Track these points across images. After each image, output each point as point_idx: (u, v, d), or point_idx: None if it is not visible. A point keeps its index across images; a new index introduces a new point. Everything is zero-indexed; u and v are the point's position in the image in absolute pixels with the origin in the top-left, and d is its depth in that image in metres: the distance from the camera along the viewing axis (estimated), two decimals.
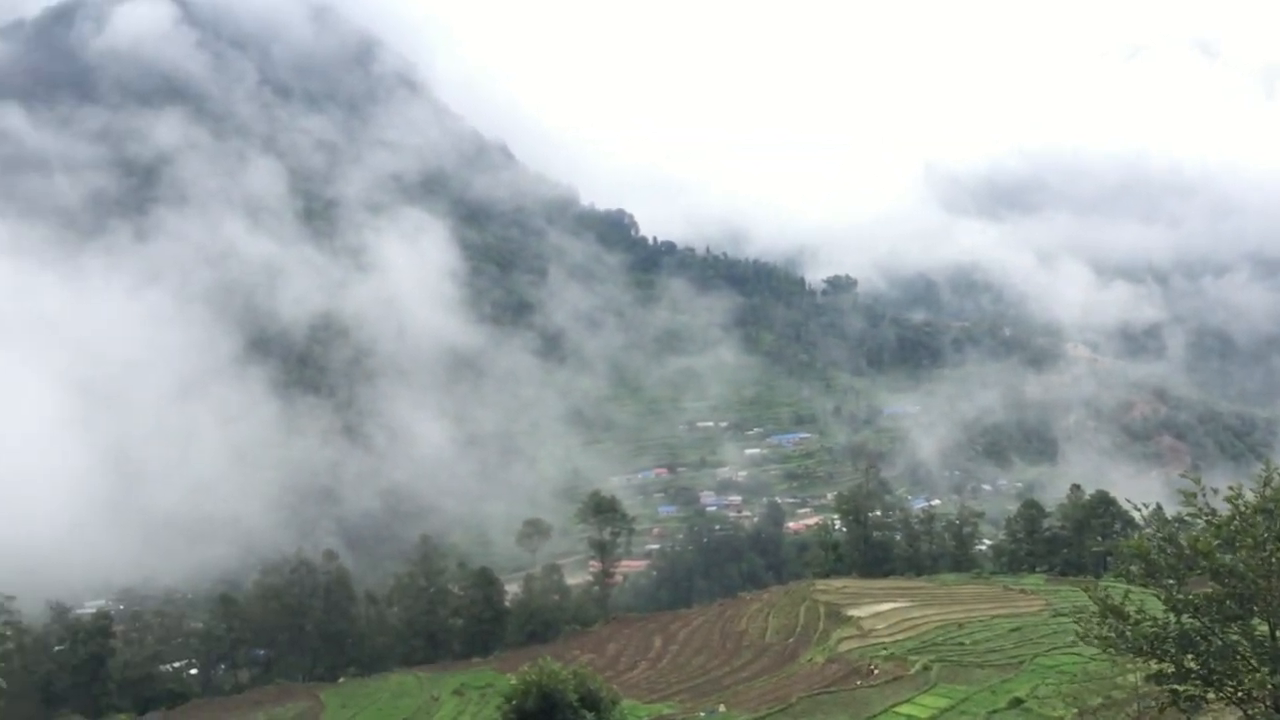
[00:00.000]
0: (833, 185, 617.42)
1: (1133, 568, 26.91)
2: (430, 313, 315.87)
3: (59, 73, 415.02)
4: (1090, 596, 26.93)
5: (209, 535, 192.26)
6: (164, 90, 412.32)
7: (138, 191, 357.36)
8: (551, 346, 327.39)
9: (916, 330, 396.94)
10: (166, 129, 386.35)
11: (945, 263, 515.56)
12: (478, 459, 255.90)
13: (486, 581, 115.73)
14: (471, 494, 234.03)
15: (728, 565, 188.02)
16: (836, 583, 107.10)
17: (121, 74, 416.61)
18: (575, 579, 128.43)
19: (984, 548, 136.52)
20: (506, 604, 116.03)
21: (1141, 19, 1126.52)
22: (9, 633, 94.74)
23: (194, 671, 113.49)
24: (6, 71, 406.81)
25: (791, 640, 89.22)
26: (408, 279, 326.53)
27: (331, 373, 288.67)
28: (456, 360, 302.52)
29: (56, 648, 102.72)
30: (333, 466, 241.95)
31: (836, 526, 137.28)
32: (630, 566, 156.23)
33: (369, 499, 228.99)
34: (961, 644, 76.77)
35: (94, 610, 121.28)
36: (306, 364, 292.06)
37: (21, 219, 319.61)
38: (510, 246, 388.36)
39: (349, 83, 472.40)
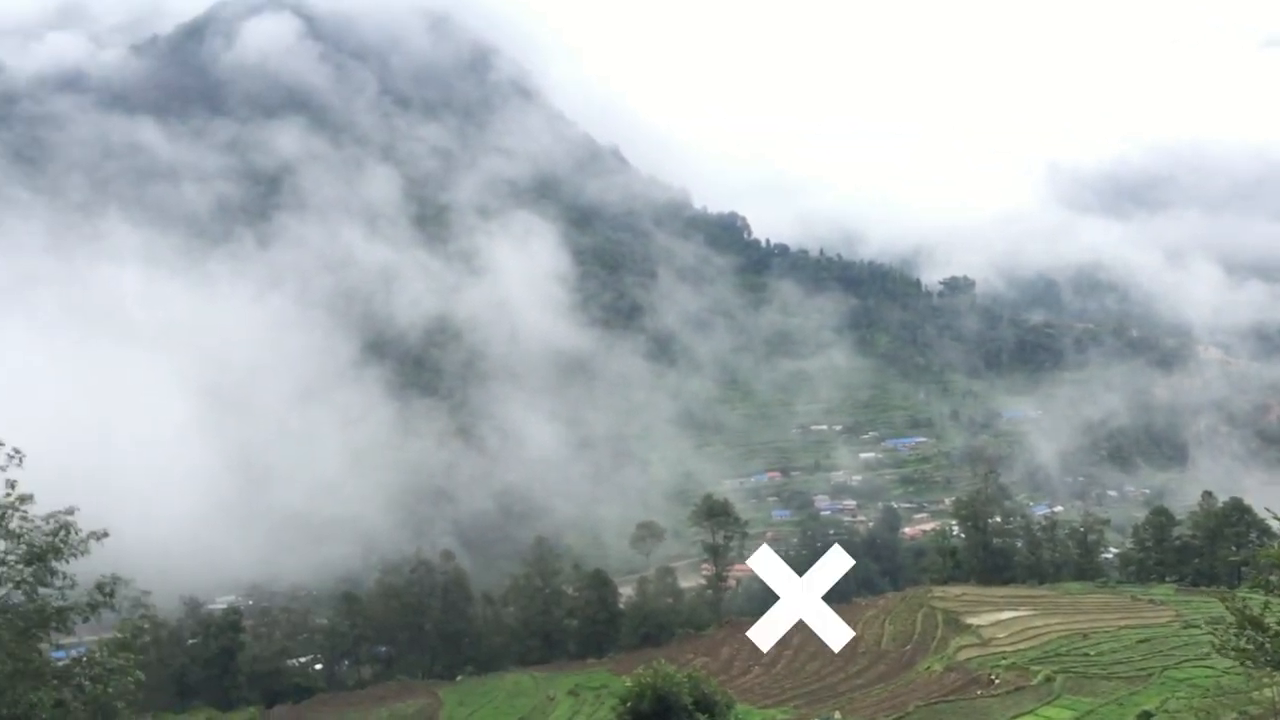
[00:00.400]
0: (950, 184, 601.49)
1: (1272, 578, 25.91)
2: (541, 316, 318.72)
3: (190, 87, 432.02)
4: (1227, 607, 25.98)
5: (331, 535, 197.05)
6: (288, 102, 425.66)
7: (262, 200, 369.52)
8: (662, 349, 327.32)
9: (1036, 331, 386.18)
10: (289, 139, 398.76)
11: (1066, 262, 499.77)
12: (590, 461, 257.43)
13: (601, 583, 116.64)
14: (584, 496, 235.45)
15: None
16: (954, 589, 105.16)
17: (249, 87, 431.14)
18: (688, 582, 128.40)
19: (1110, 556, 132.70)
20: (620, 606, 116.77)
21: (1278, 5, 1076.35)
22: (146, 626, 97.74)
23: (319, 667, 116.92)
24: (141, 86, 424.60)
25: (908, 647, 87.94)
26: (519, 282, 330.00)
27: (446, 375, 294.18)
28: (568, 363, 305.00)
29: (189, 641, 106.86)
30: (448, 468, 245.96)
31: (954, 532, 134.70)
32: (744, 570, 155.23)
33: (483, 500, 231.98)
34: (1086, 655, 74.84)
35: (224, 606, 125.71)
36: (422, 367, 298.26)
37: (154, 227, 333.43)
38: (621, 250, 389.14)
39: (465, 91, 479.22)
